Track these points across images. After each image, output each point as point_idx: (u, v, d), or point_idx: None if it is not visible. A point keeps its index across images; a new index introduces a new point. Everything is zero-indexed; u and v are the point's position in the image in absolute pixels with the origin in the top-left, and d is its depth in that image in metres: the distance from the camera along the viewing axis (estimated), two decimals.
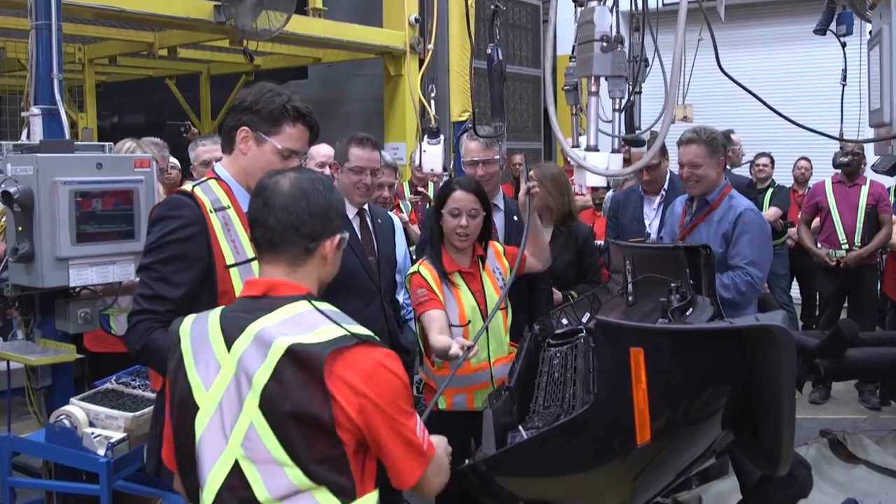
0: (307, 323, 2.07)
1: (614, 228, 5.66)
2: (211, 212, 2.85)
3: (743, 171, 8.90)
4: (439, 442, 2.29)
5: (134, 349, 2.77)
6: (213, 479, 2.09)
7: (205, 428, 2.12)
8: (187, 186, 2.91)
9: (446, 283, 3.88)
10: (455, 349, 3.33)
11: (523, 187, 3.94)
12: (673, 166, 5.13)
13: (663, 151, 5.18)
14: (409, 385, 2.13)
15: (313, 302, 2.12)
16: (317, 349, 2.00)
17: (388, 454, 2.08)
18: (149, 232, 2.88)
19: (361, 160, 4.20)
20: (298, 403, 2.00)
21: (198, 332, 2.20)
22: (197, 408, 2.13)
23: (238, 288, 2.77)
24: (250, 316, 2.11)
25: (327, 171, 4.61)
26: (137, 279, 4.33)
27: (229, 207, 2.89)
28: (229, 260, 2.83)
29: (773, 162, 8.97)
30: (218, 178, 2.96)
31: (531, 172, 4.98)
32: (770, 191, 8.73)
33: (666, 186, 5.37)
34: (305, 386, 2.00)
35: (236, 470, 2.05)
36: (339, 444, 2.02)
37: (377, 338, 2.11)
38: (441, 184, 5.82)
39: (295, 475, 2.01)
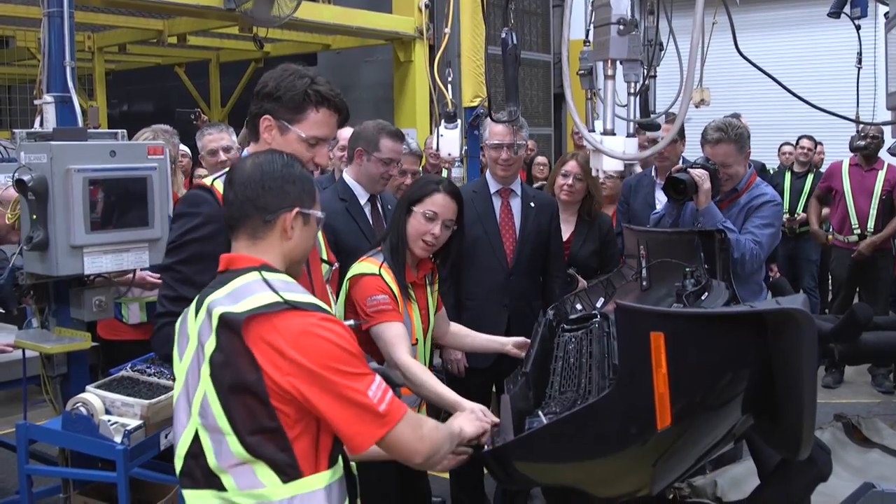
0: (246, 292, 2.11)
1: (625, 213, 5.65)
2: None
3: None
4: (452, 423, 2.43)
5: (163, 352, 2.66)
6: (181, 447, 2.18)
7: (177, 398, 2.23)
8: (207, 180, 2.80)
9: (406, 295, 3.48)
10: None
11: None
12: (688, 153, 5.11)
13: (681, 132, 5.14)
14: (353, 349, 2.10)
15: (263, 273, 2.16)
16: (237, 315, 2.05)
17: (332, 419, 2.06)
18: (170, 228, 2.82)
19: (393, 153, 4.18)
20: (235, 373, 2.05)
21: (183, 313, 2.31)
22: (174, 378, 2.26)
23: None
24: (210, 290, 2.19)
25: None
26: (149, 274, 4.37)
27: None
28: None
29: (816, 144, 8.90)
30: None
31: (573, 162, 4.96)
32: (810, 176, 8.67)
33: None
34: (238, 354, 2.04)
35: (196, 438, 2.13)
36: (275, 416, 2.05)
37: (322, 306, 2.12)
38: (449, 169, 5.82)
39: (234, 445, 2.07)
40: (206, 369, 2.10)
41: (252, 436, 2.06)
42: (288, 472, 2.08)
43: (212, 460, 2.11)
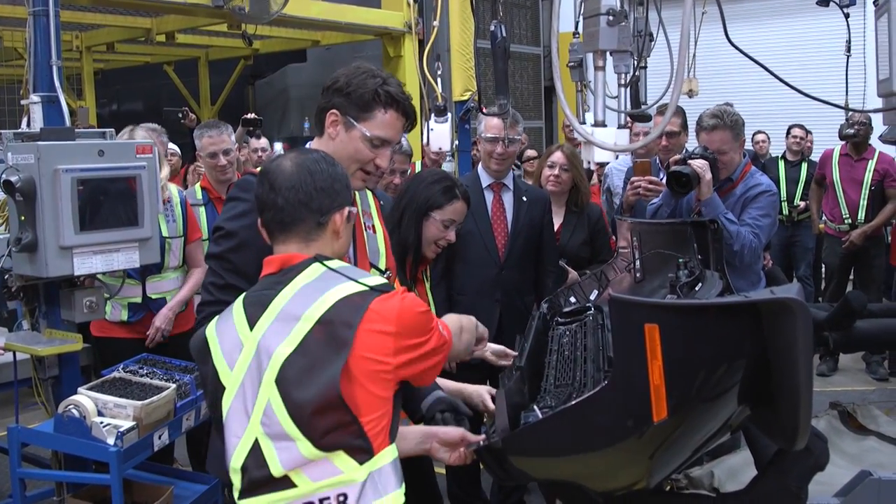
0: (322, 287, 2.11)
1: (610, 201, 5.73)
2: None
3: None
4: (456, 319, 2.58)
5: None
6: (236, 459, 2.13)
7: (229, 408, 2.16)
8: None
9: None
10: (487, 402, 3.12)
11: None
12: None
13: (684, 123, 5.13)
14: (428, 308, 2.25)
15: (324, 262, 2.18)
16: (340, 310, 2.07)
17: (424, 376, 2.26)
18: (224, 209, 2.79)
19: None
20: (316, 381, 2.03)
21: (223, 323, 2.25)
22: (224, 389, 2.18)
23: None
24: (271, 292, 2.16)
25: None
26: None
27: None
28: None
29: (808, 133, 8.92)
30: None
31: (559, 153, 4.95)
32: (804, 165, 8.67)
33: None
34: (330, 355, 2.04)
35: (255, 448, 2.09)
36: (350, 413, 2.05)
37: (390, 284, 2.19)
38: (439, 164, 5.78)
39: (305, 448, 2.05)
40: (270, 375, 2.08)
41: (326, 436, 2.06)
42: (364, 454, 2.10)
43: (276, 468, 2.09)
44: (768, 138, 9.52)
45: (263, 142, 7.78)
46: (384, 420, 2.12)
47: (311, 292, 2.12)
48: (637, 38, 3.30)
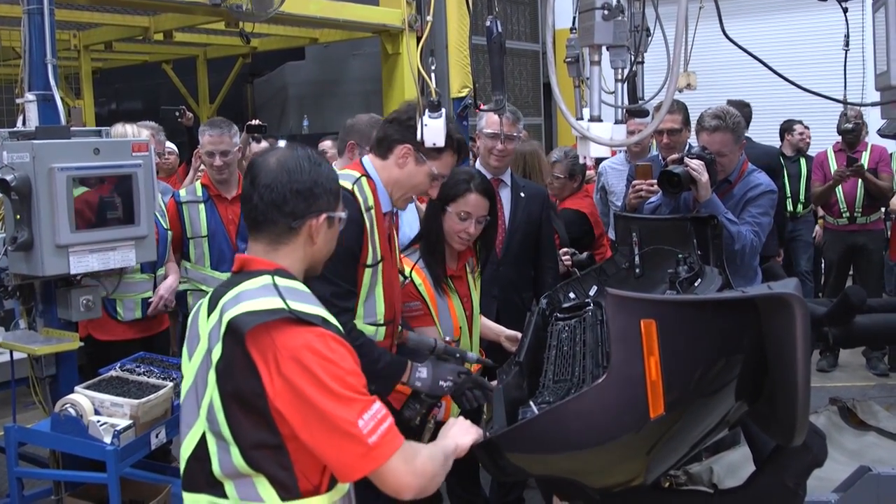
0: (252, 295, 2.02)
1: (604, 198, 5.72)
2: (366, 210, 3.05)
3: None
4: (446, 441, 2.30)
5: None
6: (185, 448, 2.12)
7: (185, 396, 2.16)
8: (346, 182, 2.94)
9: (439, 291, 3.61)
10: None
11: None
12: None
13: (686, 120, 5.10)
14: (351, 370, 1.99)
15: (276, 278, 2.06)
16: (241, 322, 1.96)
17: (317, 446, 1.96)
18: None
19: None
20: (237, 383, 1.97)
21: (195, 312, 2.23)
22: (183, 377, 2.18)
23: (365, 286, 3.07)
24: (225, 290, 2.10)
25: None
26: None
27: (373, 208, 3.08)
28: (369, 260, 3.07)
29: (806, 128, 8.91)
30: (368, 176, 3.14)
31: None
32: (802, 160, 8.64)
33: None
34: (240, 364, 1.96)
35: (202, 441, 2.05)
36: (277, 431, 1.97)
37: (329, 320, 2.04)
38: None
39: (236, 456, 2.00)
40: (213, 375, 2.03)
41: (253, 450, 1.99)
42: (287, 489, 2.01)
43: (216, 467, 2.04)
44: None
45: (265, 145, 7.80)
46: (309, 457, 2.00)
47: (240, 297, 2.04)
48: (634, 33, 3.28)
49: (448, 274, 3.65)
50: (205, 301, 2.19)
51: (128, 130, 4.82)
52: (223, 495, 2.04)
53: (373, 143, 3.24)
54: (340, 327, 2.09)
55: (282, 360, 1.93)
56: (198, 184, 5.34)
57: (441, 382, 3.15)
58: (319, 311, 2.04)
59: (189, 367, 2.15)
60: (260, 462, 1.98)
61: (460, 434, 2.38)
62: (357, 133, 4.25)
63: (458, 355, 3.31)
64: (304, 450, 1.98)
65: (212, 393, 2.03)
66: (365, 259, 3.05)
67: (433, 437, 3.08)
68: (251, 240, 2.21)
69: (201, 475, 2.07)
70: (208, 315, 2.13)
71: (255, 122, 7.36)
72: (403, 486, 2.01)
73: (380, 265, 3.13)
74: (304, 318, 1.97)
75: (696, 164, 4.01)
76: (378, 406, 1.99)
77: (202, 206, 5.17)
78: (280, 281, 2.06)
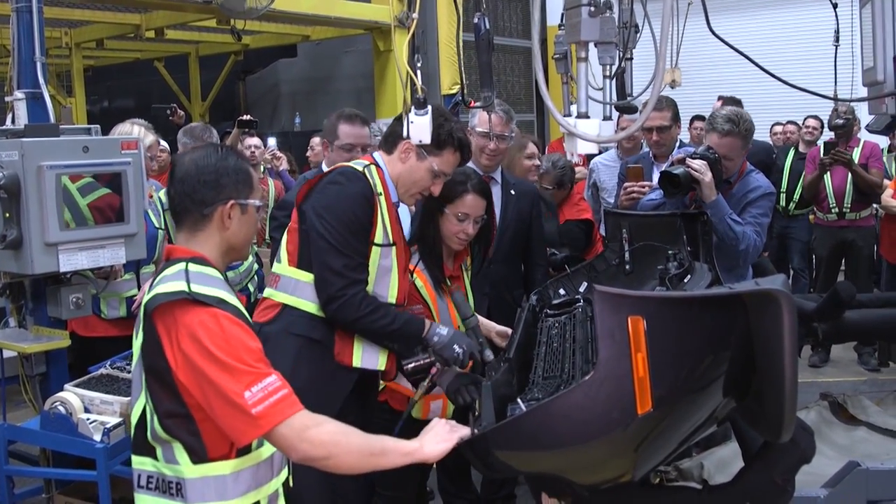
0: (164, 280, 2.24)
1: (595, 196, 5.71)
2: (376, 194, 3.17)
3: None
4: (407, 443, 2.34)
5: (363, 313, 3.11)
6: (133, 416, 2.33)
7: (133, 370, 2.35)
8: (356, 166, 3.22)
9: (439, 292, 3.63)
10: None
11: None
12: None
13: (676, 116, 5.09)
14: (243, 346, 2.16)
15: (190, 265, 2.27)
16: (149, 303, 2.21)
17: (211, 414, 2.17)
18: (323, 192, 3.14)
19: (352, 137, 4.20)
20: (150, 359, 2.21)
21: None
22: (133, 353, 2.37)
23: (375, 265, 3.20)
24: (156, 277, 2.34)
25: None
26: None
27: (382, 195, 3.20)
28: (379, 239, 3.18)
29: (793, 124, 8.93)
30: (377, 166, 3.26)
31: (532, 144, 4.96)
32: (790, 155, 8.63)
33: (675, 153, 5.29)
34: (151, 341, 2.20)
35: (144, 412, 2.28)
36: (183, 402, 2.20)
37: (230, 301, 2.23)
38: None
39: (156, 424, 2.24)
40: (141, 354, 2.26)
41: (167, 418, 2.22)
42: (197, 454, 2.24)
43: (149, 433, 2.27)
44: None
45: (255, 140, 7.82)
46: (213, 425, 2.20)
47: (156, 283, 2.26)
48: (622, 30, 3.28)
49: (446, 274, 3.65)
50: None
51: (134, 130, 4.80)
52: (157, 458, 2.28)
53: (381, 140, 3.40)
54: (241, 308, 2.29)
55: (181, 337, 2.16)
56: None
57: (455, 346, 3.21)
58: (219, 293, 2.23)
59: (136, 345, 2.34)
60: (173, 430, 2.22)
61: (432, 442, 2.40)
62: (326, 131, 4.38)
63: (481, 341, 3.38)
64: (209, 418, 2.19)
65: (143, 369, 2.26)
66: (374, 237, 3.16)
67: (425, 394, 3.36)
68: (177, 232, 2.44)
69: (143, 441, 2.30)
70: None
71: (246, 116, 7.36)
72: (289, 450, 2.20)
73: (393, 249, 3.23)
74: (200, 299, 2.18)
75: (697, 165, 3.97)
76: (271, 380, 2.16)
77: None
78: (192, 267, 2.27)
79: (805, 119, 8.74)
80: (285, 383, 2.19)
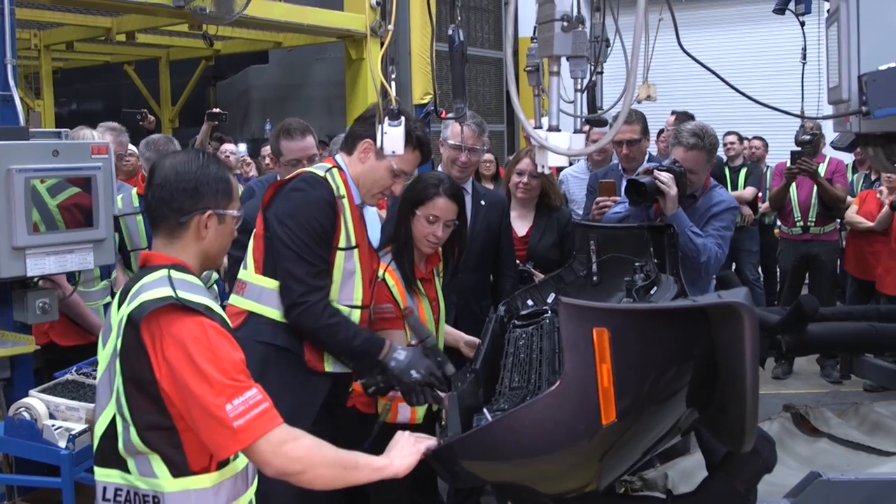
0: (148, 287, 2.20)
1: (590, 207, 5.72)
2: (338, 197, 3.19)
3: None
4: (377, 458, 2.35)
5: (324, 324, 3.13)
6: (98, 427, 2.30)
7: (99, 380, 2.32)
8: (318, 171, 3.26)
9: (409, 293, 3.64)
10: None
11: None
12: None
13: (645, 129, 5.14)
14: (227, 358, 2.14)
15: (171, 271, 2.24)
16: (135, 311, 2.15)
17: (193, 425, 2.14)
18: (286, 199, 3.16)
19: (293, 152, 4.27)
20: (133, 368, 2.16)
21: (112, 302, 2.40)
22: (98, 363, 2.35)
23: (340, 269, 3.21)
24: (132, 284, 2.29)
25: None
26: None
27: (345, 197, 3.22)
28: (342, 243, 3.20)
29: (741, 139, 9.02)
30: (339, 168, 3.29)
31: (527, 159, 4.96)
32: (744, 170, 8.76)
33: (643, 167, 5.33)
34: (135, 350, 2.15)
35: (113, 422, 2.24)
36: (167, 413, 2.16)
37: (215, 310, 2.21)
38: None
39: (133, 436, 2.18)
40: (118, 362, 2.20)
41: (147, 430, 2.17)
42: (178, 467, 2.19)
43: (121, 445, 2.21)
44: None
45: (231, 146, 7.85)
46: (197, 437, 2.18)
47: (138, 290, 2.21)
48: (594, 44, 3.31)
49: (417, 277, 3.67)
50: (118, 294, 2.36)
51: (89, 135, 4.76)
52: (128, 471, 2.23)
53: (343, 141, 3.43)
54: (225, 317, 2.29)
55: (166, 345, 2.12)
56: (133, 193, 5.09)
57: (412, 371, 3.17)
58: (205, 300, 2.21)
59: (103, 354, 2.32)
60: (153, 441, 2.18)
61: (399, 455, 2.41)
62: (273, 149, 4.45)
63: (440, 359, 3.34)
64: (192, 429, 2.16)
65: (119, 377, 2.20)
66: (338, 241, 3.18)
67: (384, 415, 3.40)
68: (154, 237, 2.39)
69: (112, 452, 2.24)
70: (118, 307, 2.29)
71: (216, 109, 7.37)
72: (264, 465, 2.18)
73: (355, 251, 3.24)
74: (188, 306, 2.15)
75: (665, 178, 4.02)
76: (252, 393, 2.15)
77: (140, 218, 4.97)
78: (175, 273, 2.24)
79: (725, 135, 8.79)
80: (266, 396, 2.17)
